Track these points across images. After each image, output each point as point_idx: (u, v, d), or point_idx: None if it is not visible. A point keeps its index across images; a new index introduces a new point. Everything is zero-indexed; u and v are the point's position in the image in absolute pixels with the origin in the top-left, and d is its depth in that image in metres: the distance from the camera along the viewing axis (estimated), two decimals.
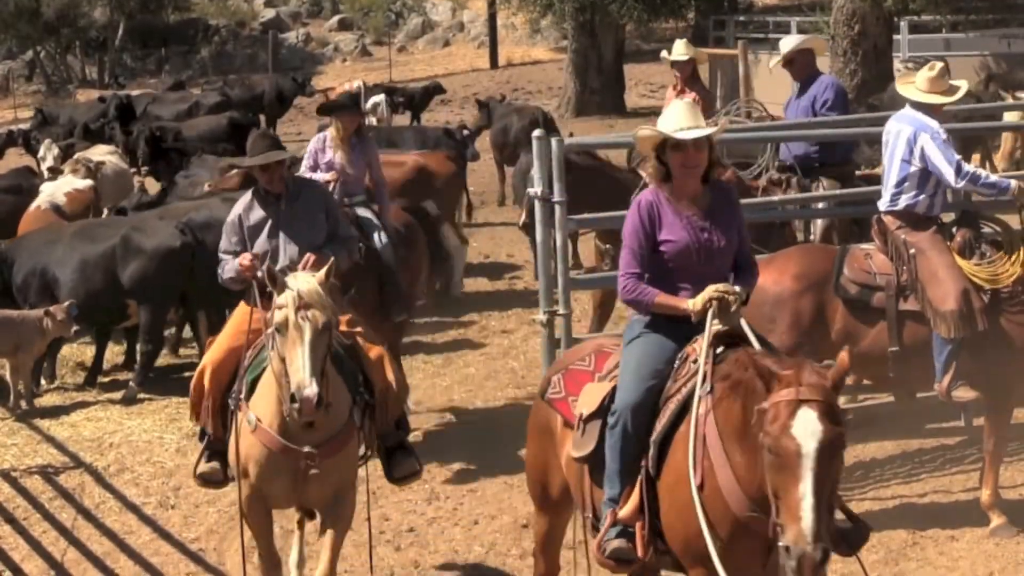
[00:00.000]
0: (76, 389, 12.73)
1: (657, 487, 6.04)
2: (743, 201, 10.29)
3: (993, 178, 8.88)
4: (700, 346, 6.01)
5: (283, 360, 7.04)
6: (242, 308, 8.03)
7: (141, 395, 12.25)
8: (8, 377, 12.13)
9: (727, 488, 5.72)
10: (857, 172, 11.32)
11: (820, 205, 10.81)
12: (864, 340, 8.62)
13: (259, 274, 7.61)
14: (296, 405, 6.90)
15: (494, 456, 10.39)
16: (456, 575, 8.56)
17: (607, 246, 11.13)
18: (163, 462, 10.69)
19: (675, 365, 6.15)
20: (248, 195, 8.24)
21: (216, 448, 7.91)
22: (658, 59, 15.40)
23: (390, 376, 7.87)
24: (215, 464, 7.94)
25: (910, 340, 8.60)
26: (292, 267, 7.74)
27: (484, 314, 14.40)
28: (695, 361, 6.01)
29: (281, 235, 8.03)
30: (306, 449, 7.23)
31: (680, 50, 13.05)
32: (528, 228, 11.67)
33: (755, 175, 11.07)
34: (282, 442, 7.27)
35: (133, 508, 9.83)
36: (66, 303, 12.04)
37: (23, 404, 12.07)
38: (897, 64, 22.97)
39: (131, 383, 12.43)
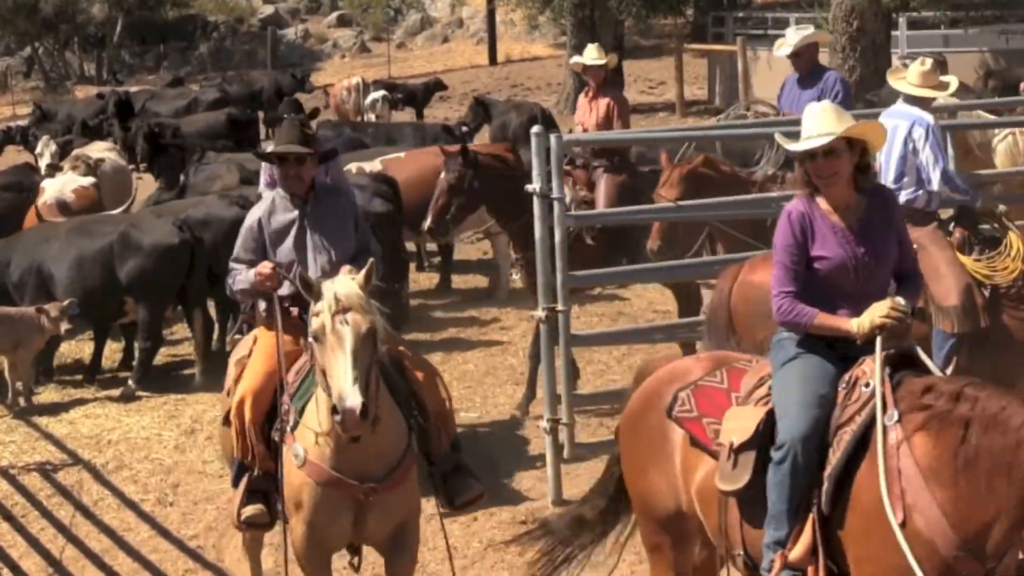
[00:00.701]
0: (75, 386, 12.73)
1: (833, 526, 5.53)
2: (739, 198, 10.38)
3: (966, 185, 8.95)
4: (870, 368, 5.56)
5: (323, 372, 6.25)
6: (265, 332, 7.25)
7: (139, 392, 12.24)
8: (7, 374, 12.13)
9: (933, 526, 5.24)
10: None
11: None
12: None
13: (281, 288, 6.95)
14: (338, 418, 6.11)
15: (492, 452, 10.39)
16: (454, 571, 8.54)
17: (516, 256, 11.03)
18: (161, 459, 10.68)
19: (838, 389, 5.65)
20: (269, 197, 7.34)
21: (258, 487, 7.08)
22: (658, 56, 15.30)
23: (443, 395, 7.16)
24: (260, 506, 7.08)
25: None
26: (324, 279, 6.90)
27: (482, 310, 14.39)
28: (866, 386, 5.55)
29: (309, 243, 7.12)
30: (366, 485, 6.54)
31: (593, 54, 12.28)
32: (432, 232, 11.39)
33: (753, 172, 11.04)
34: (335, 475, 6.52)
35: (131, 505, 9.82)
36: (66, 302, 12.03)
37: (21, 401, 12.06)
38: (895, 61, 22.97)
39: (129, 380, 12.42)
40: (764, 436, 5.73)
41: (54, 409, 12.06)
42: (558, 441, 9.51)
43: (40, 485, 10.28)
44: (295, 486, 6.67)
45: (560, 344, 9.49)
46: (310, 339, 6.34)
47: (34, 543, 9.23)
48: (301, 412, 6.69)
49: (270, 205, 7.24)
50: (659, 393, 6.27)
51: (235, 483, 7.24)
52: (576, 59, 12.65)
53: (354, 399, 6.04)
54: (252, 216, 7.29)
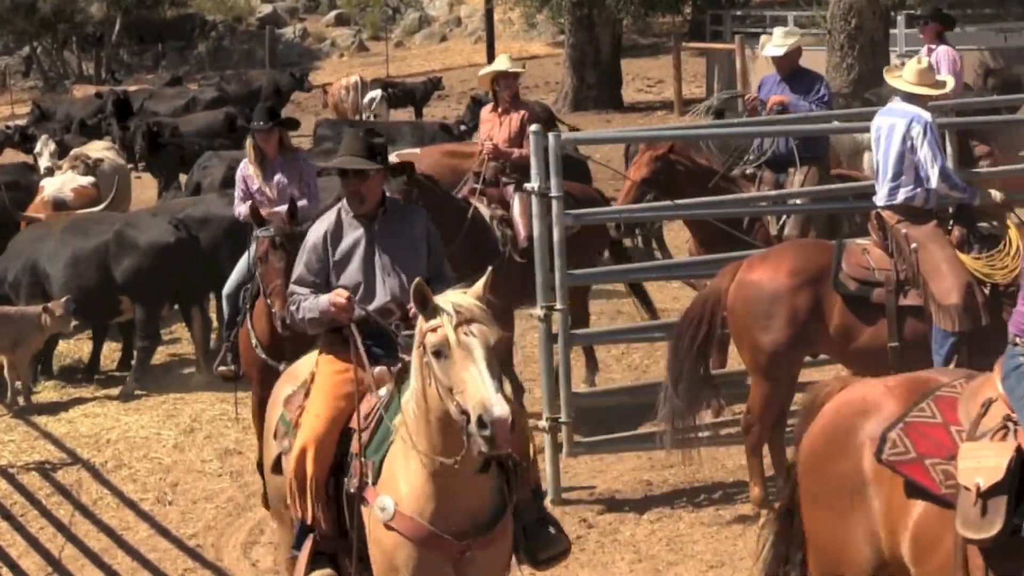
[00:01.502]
0: (74, 385, 12.72)
1: None
2: (723, 197, 10.36)
3: (964, 183, 8.94)
4: None
5: (449, 390, 5.50)
6: (331, 364, 6.42)
7: (138, 391, 12.23)
8: (6, 373, 12.13)
9: None
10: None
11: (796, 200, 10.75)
12: (863, 336, 8.62)
13: (355, 315, 6.21)
14: (486, 432, 5.34)
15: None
16: None
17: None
18: (160, 458, 10.68)
19: None
20: (333, 213, 6.52)
21: (325, 550, 6.24)
22: (655, 54, 15.18)
23: (527, 435, 6.39)
24: (329, 572, 6.22)
25: (910, 335, 8.60)
26: (395, 307, 6.29)
27: None
28: None
29: (377, 264, 6.39)
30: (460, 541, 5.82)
31: (505, 63, 11.28)
32: None
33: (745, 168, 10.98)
34: (431, 530, 5.78)
35: (130, 504, 9.81)
36: (63, 299, 12.03)
37: (20, 400, 12.06)
38: (893, 58, 22.98)
39: (128, 379, 12.42)
40: (1016, 476, 5.24)
41: (53, 408, 12.06)
42: (557, 440, 9.51)
43: (39, 484, 10.28)
44: (386, 547, 5.87)
45: (559, 343, 9.49)
46: (426, 358, 5.59)
47: (33, 542, 9.23)
48: (379, 468, 5.95)
49: (335, 221, 6.47)
50: (848, 430, 5.64)
51: (297, 545, 6.33)
52: (487, 68, 11.61)
53: (502, 407, 5.35)
54: (316, 232, 6.48)
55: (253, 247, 9.49)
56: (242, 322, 9.55)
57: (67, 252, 12.55)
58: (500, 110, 11.21)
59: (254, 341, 9.28)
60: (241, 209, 9.94)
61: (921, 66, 8.87)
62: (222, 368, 10.09)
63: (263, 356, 9.15)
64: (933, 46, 13.93)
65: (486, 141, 11.16)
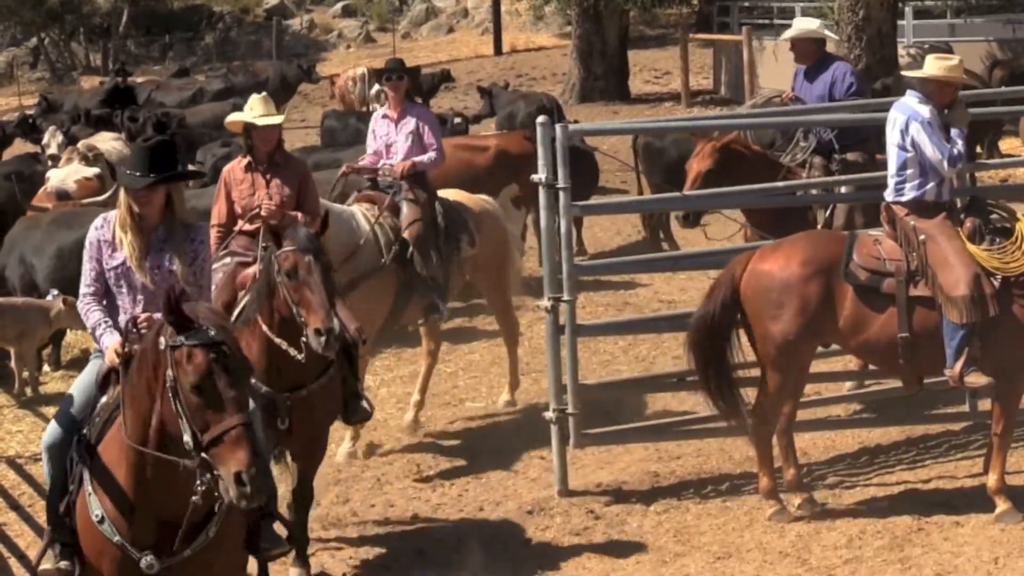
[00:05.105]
0: None
1: None
2: (768, 184, 10.33)
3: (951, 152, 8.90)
4: None
5: None
6: None
7: None
8: (13, 364, 12.14)
9: None
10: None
11: (842, 189, 10.70)
12: (873, 326, 8.61)
13: None
14: None
15: (498, 443, 10.39)
16: (461, 562, 8.55)
17: None
18: None
19: None
20: None
21: None
22: (662, 46, 15.10)
23: None
24: None
25: (920, 326, 8.58)
26: None
27: None
28: None
29: None
30: None
31: (259, 109, 9.12)
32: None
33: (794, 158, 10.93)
34: None
35: None
36: (52, 291, 12.04)
37: (28, 391, 12.08)
38: (901, 50, 22.93)
39: None
40: None
41: (61, 399, 12.06)
42: (564, 431, 9.51)
43: None
44: None
45: (566, 334, 9.48)
46: None
47: (41, 533, 9.23)
48: None
49: None
50: None
51: None
52: (235, 116, 9.70)
53: None
54: None
55: (96, 367, 6.68)
56: (78, 489, 6.09)
57: (52, 244, 12.58)
58: (260, 168, 9.04)
59: (97, 513, 5.93)
60: (97, 329, 6.52)
61: (941, 60, 8.87)
62: (45, 567, 6.20)
63: (117, 540, 5.87)
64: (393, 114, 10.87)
65: (264, 202, 8.90)
